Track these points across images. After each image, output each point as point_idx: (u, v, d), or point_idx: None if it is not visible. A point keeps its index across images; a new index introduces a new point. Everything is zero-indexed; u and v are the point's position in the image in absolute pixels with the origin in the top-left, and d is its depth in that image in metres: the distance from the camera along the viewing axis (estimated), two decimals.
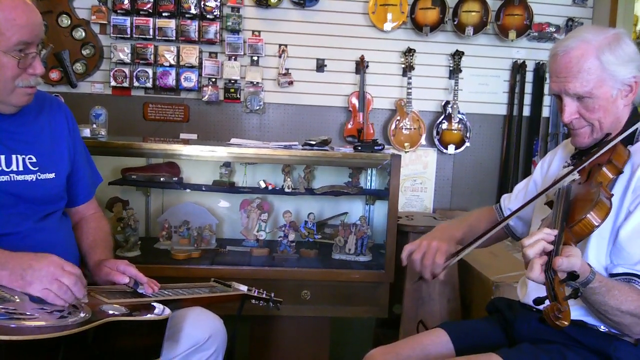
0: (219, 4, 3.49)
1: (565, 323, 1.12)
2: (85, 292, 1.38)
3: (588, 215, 1.28)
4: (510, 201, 1.86)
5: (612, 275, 1.39)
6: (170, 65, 3.53)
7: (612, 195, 1.38)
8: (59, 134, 1.68)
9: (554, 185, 1.48)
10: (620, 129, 1.48)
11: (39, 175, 1.58)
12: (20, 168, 1.54)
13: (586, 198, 1.35)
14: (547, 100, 3.81)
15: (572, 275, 1.18)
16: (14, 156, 1.53)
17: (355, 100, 3.66)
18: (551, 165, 1.74)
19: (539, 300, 1.19)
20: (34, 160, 1.57)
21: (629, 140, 1.49)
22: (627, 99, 1.48)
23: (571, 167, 1.53)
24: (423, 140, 3.73)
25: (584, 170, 1.46)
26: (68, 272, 1.34)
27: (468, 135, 3.73)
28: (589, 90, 1.43)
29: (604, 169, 1.41)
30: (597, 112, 1.46)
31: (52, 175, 1.61)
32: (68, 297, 1.33)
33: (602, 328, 1.44)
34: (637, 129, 1.49)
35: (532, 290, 1.56)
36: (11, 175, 1.52)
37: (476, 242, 1.57)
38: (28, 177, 1.55)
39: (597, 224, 1.29)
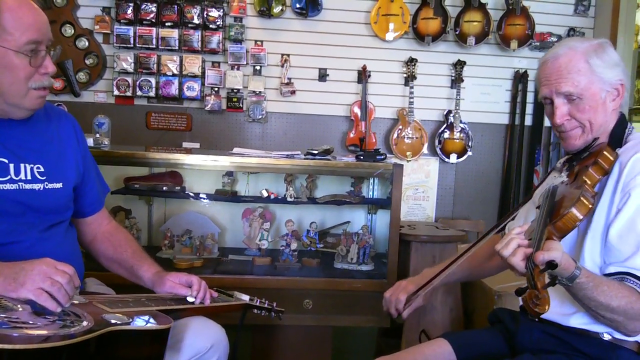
0: (221, 14, 3.51)
1: (545, 308, 1.17)
2: (75, 292, 1.37)
3: (570, 210, 1.32)
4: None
5: (605, 276, 1.41)
6: (173, 75, 3.55)
7: (596, 193, 1.43)
8: (67, 144, 1.69)
9: (540, 185, 1.56)
10: (609, 133, 1.54)
11: (47, 185, 1.58)
12: (29, 177, 1.54)
13: (570, 196, 1.39)
14: None
15: (551, 265, 1.21)
16: (22, 165, 1.54)
17: (357, 110, 3.67)
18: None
19: (520, 291, 1.24)
20: (42, 169, 1.58)
21: (617, 144, 1.53)
22: (614, 103, 1.53)
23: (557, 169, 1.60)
24: (425, 150, 3.74)
25: (572, 172, 1.52)
26: (61, 271, 1.33)
27: (470, 144, 3.74)
28: (580, 90, 1.49)
29: (590, 169, 1.45)
30: (587, 113, 1.51)
31: (59, 185, 1.62)
32: (61, 297, 1.31)
33: (605, 337, 1.44)
34: (625, 132, 1.54)
35: None
36: (20, 183, 1.52)
37: (436, 278, 1.70)
38: (36, 186, 1.56)
39: (579, 218, 1.33)
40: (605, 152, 1.46)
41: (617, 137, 1.53)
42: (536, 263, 1.22)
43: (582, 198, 1.33)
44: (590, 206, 1.35)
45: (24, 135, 1.57)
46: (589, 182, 1.43)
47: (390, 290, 1.79)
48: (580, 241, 1.47)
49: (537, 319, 1.24)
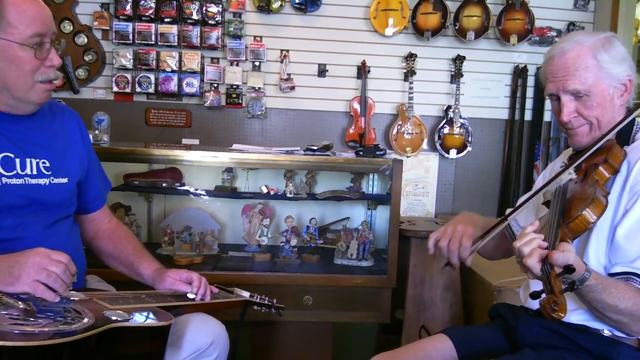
0: (220, 9, 3.50)
1: (562, 315, 1.15)
2: (72, 279, 1.38)
3: (584, 212, 1.31)
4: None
5: (611, 275, 1.40)
6: (172, 71, 3.54)
7: (608, 193, 1.40)
8: (72, 140, 1.70)
9: (551, 182, 1.51)
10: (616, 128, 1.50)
11: (52, 180, 1.59)
12: (34, 172, 1.55)
13: (582, 196, 1.37)
14: (548, 104, 3.80)
15: (568, 269, 1.20)
16: (28, 160, 1.54)
17: (356, 105, 3.67)
18: (551, 172, 1.75)
19: (535, 294, 1.21)
20: (48, 164, 1.58)
21: (625, 141, 1.50)
22: (622, 99, 1.50)
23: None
24: (425, 145, 3.73)
25: (581, 170, 1.49)
26: (56, 261, 1.33)
27: (470, 139, 3.73)
28: (587, 87, 1.46)
29: (600, 168, 1.43)
30: (595, 110, 1.48)
31: (64, 180, 1.62)
32: (59, 286, 1.31)
33: (606, 333, 1.44)
34: (633, 129, 1.51)
35: None
36: (25, 178, 1.53)
37: (499, 226, 1.54)
38: (41, 181, 1.56)
39: (593, 220, 1.32)
40: (615, 150, 1.44)
41: (625, 134, 1.50)
42: (553, 265, 1.20)
43: (595, 199, 1.32)
44: (604, 206, 1.33)
45: (30, 130, 1.58)
46: (600, 181, 1.41)
47: (444, 238, 1.57)
48: (585, 240, 1.46)
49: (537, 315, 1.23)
